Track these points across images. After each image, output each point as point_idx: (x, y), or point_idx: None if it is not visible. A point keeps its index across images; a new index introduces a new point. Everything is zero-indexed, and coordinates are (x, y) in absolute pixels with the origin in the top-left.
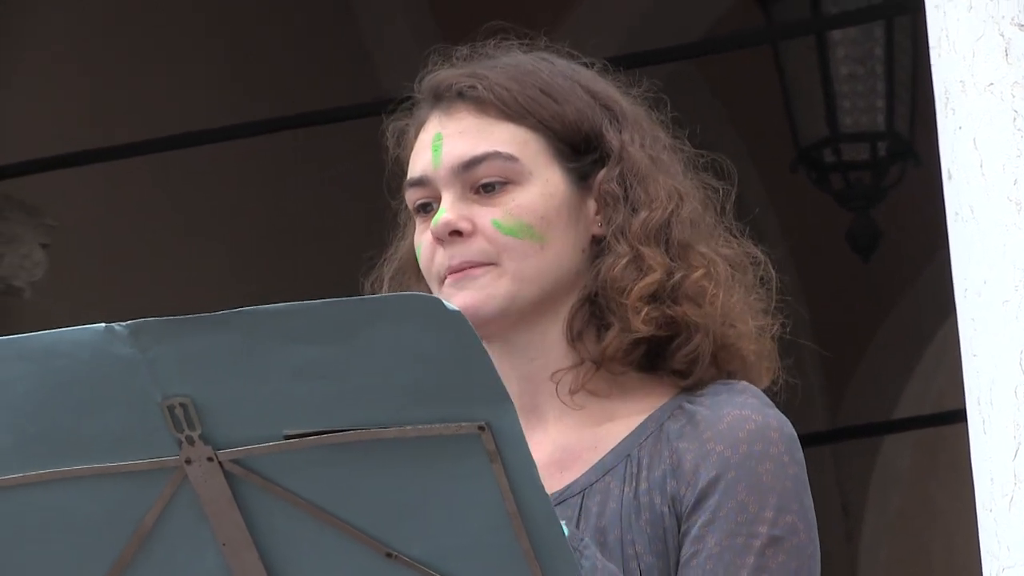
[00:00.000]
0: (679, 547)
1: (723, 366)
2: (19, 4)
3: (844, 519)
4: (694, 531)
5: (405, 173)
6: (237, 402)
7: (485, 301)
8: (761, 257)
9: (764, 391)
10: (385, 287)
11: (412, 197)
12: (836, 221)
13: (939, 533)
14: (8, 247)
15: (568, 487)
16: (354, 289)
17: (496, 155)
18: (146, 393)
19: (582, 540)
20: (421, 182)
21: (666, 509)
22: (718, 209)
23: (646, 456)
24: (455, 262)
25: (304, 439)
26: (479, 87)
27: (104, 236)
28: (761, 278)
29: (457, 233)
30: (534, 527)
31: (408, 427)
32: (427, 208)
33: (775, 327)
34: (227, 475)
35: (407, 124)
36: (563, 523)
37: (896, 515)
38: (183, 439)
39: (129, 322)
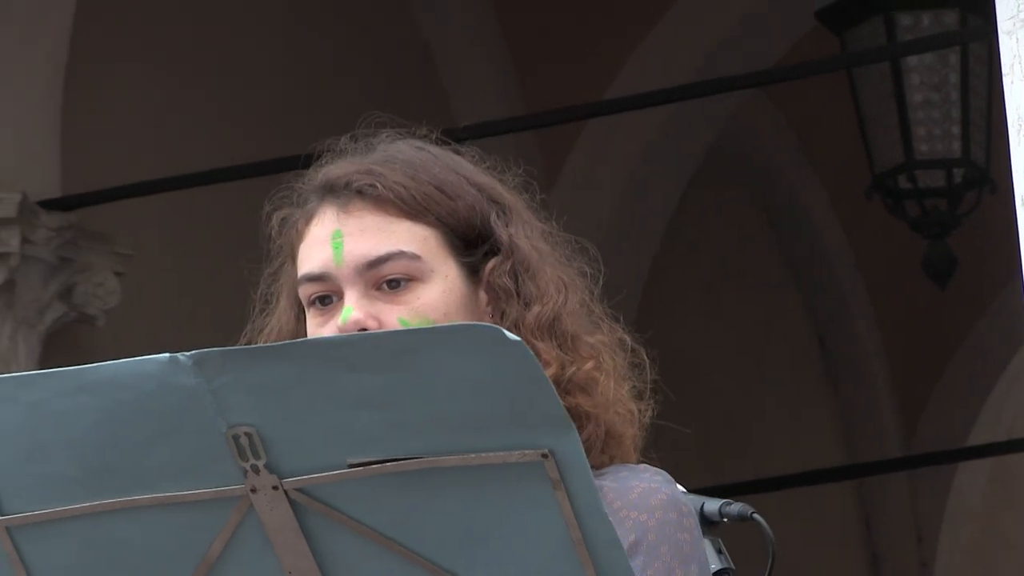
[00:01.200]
0: None
1: (606, 451)
2: (94, 34)
3: (918, 547)
4: None
5: (288, 257)
6: (301, 431)
7: None
8: (629, 341)
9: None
10: None
11: (308, 291)
12: (912, 248)
13: (1014, 562)
14: (82, 276)
15: None
16: None
17: (401, 254)
18: (211, 423)
19: None
20: (321, 278)
21: None
22: (591, 295)
23: None
24: None
25: (368, 467)
26: (378, 185)
27: (178, 264)
28: (635, 364)
29: (364, 330)
30: (598, 554)
31: (471, 455)
32: (324, 300)
33: (648, 411)
34: (292, 504)
35: (291, 213)
36: None
37: (970, 543)
38: (248, 468)
39: (193, 352)
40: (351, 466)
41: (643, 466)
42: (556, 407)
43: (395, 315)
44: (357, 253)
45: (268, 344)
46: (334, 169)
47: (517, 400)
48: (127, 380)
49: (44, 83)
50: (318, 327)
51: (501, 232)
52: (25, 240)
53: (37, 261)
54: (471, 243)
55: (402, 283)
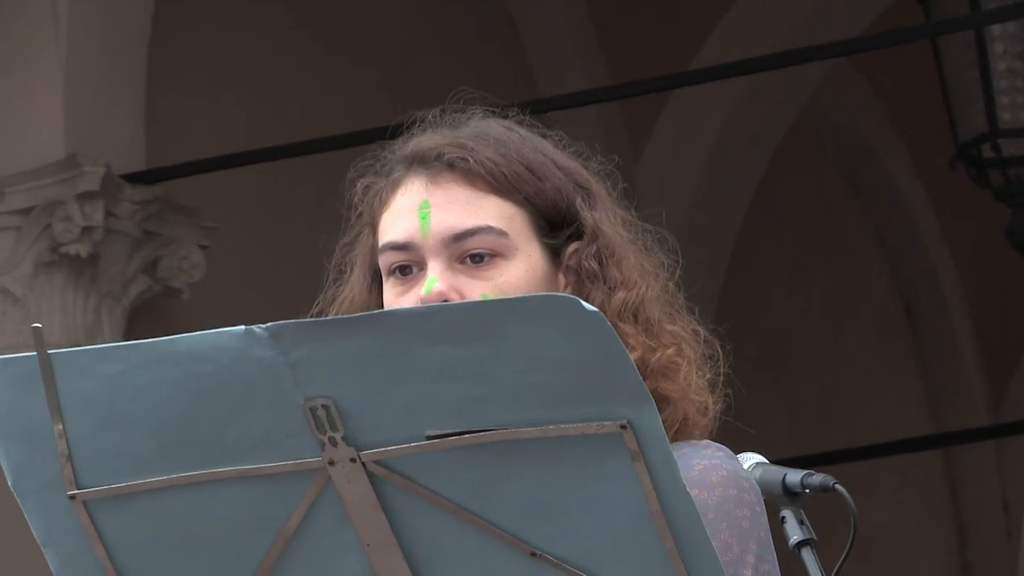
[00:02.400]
0: None
1: (678, 437)
2: (178, 6)
3: (1005, 516)
4: None
5: (368, 226)
6: (379, 403)
7: None
8: (703, 333)
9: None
10: None
11: (389, 260)
12: (996, 217)
13: None
14: (167, 249)
15: None
16: None
17: (488, 229)
18: (288, 395)
19: None
20: (405, 247)
21: None
22: (670, 285)
23: None
24: None
25: (446, 439)
26: (470, 160)
27: (262, 237)
28: (710, 358)
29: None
30: (677, 526)
31: (549, 427)
32: (404, 271)
33: (719, 405)
34: (370, 476)
35: (375, 181)
36: None
37: None
38: (326, 440)
39: (269, 324)
40: (429, 438)
41: (705, 442)
42: (634, 379)
43: (478, 290)
44: (444, 225)
45: (345, 316)
46: (424, 140)
47: (595, 372)
48: (204, 353)
49: (128, 56)
50: (397, 297)
51: (586, 216)
52: (109, 214)
53: (121, 235)
54: (555, 225)
55: (486, 259)
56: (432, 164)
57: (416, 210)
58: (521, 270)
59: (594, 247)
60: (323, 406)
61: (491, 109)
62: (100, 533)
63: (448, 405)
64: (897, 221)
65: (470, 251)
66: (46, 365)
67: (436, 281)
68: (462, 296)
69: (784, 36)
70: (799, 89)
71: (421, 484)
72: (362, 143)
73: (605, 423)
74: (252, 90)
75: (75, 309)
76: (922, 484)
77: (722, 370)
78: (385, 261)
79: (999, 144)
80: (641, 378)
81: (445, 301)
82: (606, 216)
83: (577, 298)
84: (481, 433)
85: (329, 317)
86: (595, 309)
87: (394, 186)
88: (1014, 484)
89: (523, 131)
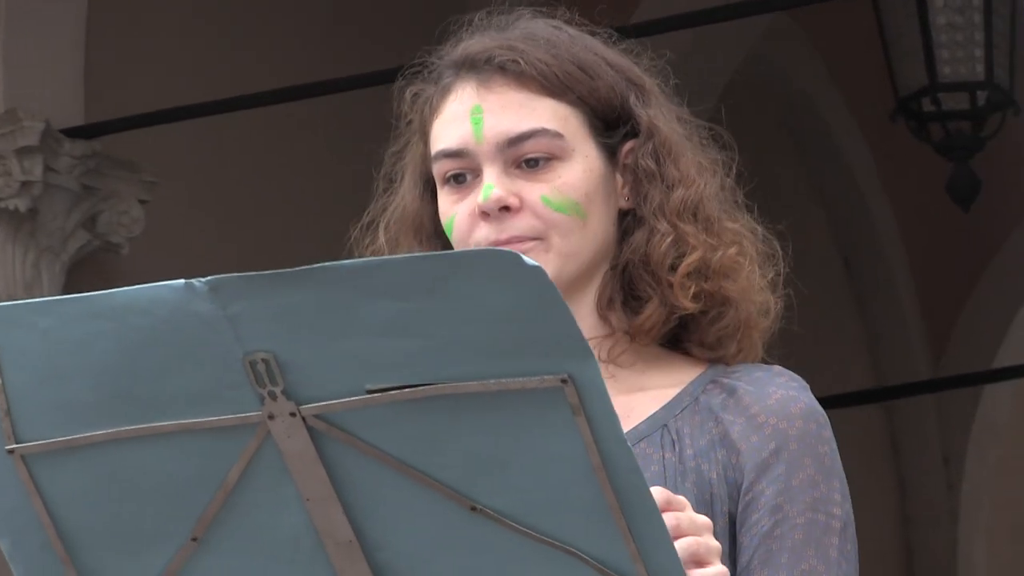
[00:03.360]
0: (729, 513)
1: (739, 342)
2: None
3: (945, 468)
4: (767, 499)
5: (419, 133)
6: (319, 357)
7: None
8: (761, 231)
9: None
10: (382, 245)
11: (443, 168)
12: (936, 171)
13: None
14: (106, 204)
15: None
16: None
17: (543, 132)
18: (228, 349)
19: None
20: (459, 154)
21: (714, 476)
22: (727, 182)
23: (685, 426)
24: (504, 236)
25: (387, 394)
26: (521, 61)
27: (203, 192)
28: (767, 257)
29: (506, 208)
30: (618, 480)
31: (490, 381)
32: (459, 179)
33: (779, 305)
34: (310, 430)
35: (424, 88)
36: None
37: (997, 464)
38: (266, 394)
39: (209, 278)
40: (370, 392)
41: (777, 368)
42: (575, 332)
43: (537, 193)
44: (498, 129)
45: (285, 269)
46: (473, 44)
47: (536, 325)
48: (143, 306)
49: (66, 11)
50: (452, 205)
51: (641, 113)
52: (48, 168)
53: (61, 189)
54: (610, 124)
55: (542, 162)
56: (482, 68)
57: (468, 115)
58: (579, 171)
59: (650, 144)
60: (263, 360)
61: (539, 9)
62: (38, 487)
63: (389, 359)
64: (838, 175)
65: (526, 155)
66: None
67: (493, 187)
68: (521, 200)
69: None
70: (740, 44)
71: (361, 438)
72: (300, 97)
73: (546, 377)
74: (191, 44)
75: (14, 264)
76: (863, 438)
77: (782, 270)
78: (439, 169)
79: (939, 98)
80: (581, 332)
81: (504, 208)
82: (660, 112)
83: (518, 252)
84: (421, 387)
85: (269, 271)
86: (536, 263)
87: (444, 92)
88: (954, 438)
89: (572, 30)
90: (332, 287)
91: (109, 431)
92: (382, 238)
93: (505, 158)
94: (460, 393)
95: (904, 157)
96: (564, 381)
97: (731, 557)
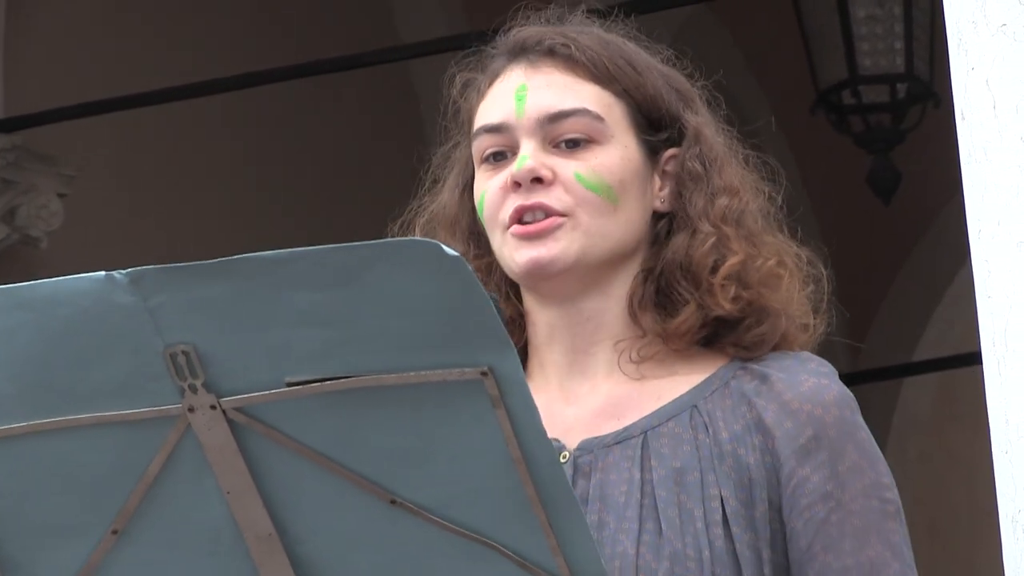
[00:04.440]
0: (769, 500)
1: (777, 350)
2: None
3: None
4: (815, 485)
5: (466, 124)
6: (239, 349)
7: (561, 254)
8: (809, 257)
9: None
10: (417, 235)
11: (484, 144)
12: (856, 164)
13: (960, 476)
14: (25, 197)
15: (626, 428)
16: (376, 234)
17: (584, 112)
18: (148, 341)
19: None
20: (499, 129)
21: (752, 462)
22: (771, 208)
23: (717, 409)
24: (530, 202)
25: (306, 386)
26: (572, 46)
27: (121, 185)
28: (813, 278)
29: (538, 181)
30: (538, 473)
31: (410, 373)
32: (498, 157)
33: (821, 328)
34: (230, 423)
35: (475, 76)
36: None
37: (917, 458)
38: (186, 387)
39: (129, 270)
40: (290, 385)
41: (805, 354)
42: (495, 324)
43: (571, 169)
44: (540, 105)
45: (204, 262)
46: (526, 31)
47: (457, 317)
48: (63, 298)
49: None
50: (487, 180)
51: (689, 118)
52: None
53: None
54: (654, 124)
55: (581, 143)
56: (533, 51)
57: (513, 93)
58: (616, 157)
59: (697, 148)
60: (183, 352)
61: (596, 8)
62: None
63: (309, 350)
64: (757, 169)
65: (565, 134)
66: None
67: (528, 158)
68: (555, 174)
69: None
70: (658, 37)
71: (281, 431)
72: (222, 90)
73: (466, 369)
74: (112, 38)
75: None
76: None
77: (826, 295)
78: (479, 147)
79: (859, 91)
80: (502, 324)
81: (537, 179)
82: (708, 122)
83: (438, 242)
84: (341, 380)
85: (190, 263)
86: (457, 254)
87: (493, 76)
88: (875, 431)
89: (629, 43)
90: (251, 279)
91: (29, 423)
92: (418, 236)
93: (544, 134)
94: (380, 385)
95: (824, 150)
96: (484, 373)
97: (771, 544)
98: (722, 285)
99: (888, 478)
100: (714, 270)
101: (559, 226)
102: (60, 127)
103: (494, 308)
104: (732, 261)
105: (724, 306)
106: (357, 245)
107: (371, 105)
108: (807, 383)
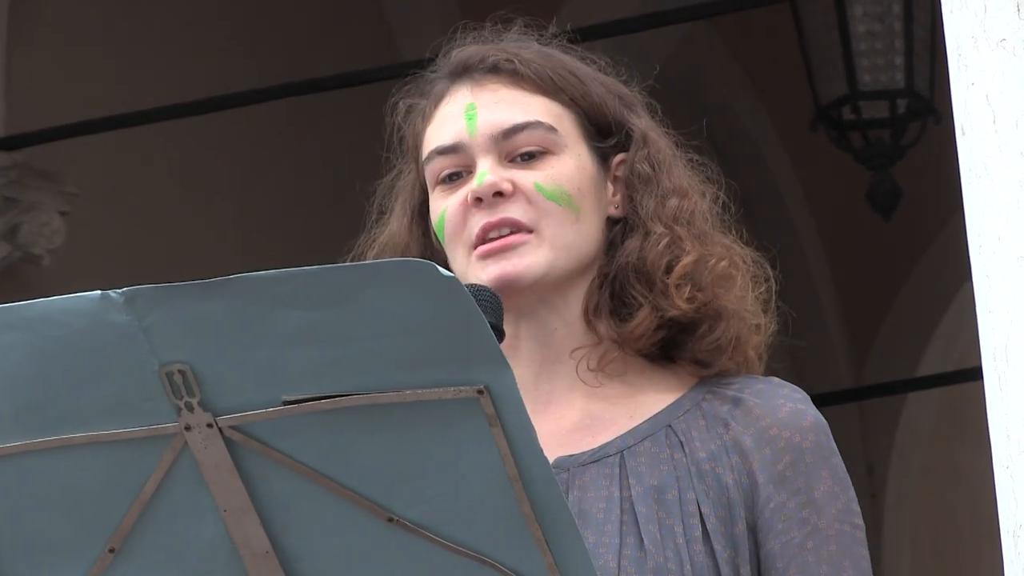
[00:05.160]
0: (746, 519)
1: (732, 356)
2: None
3: (869, 478)
4: (791, 511)
5: (412, 151)
6: (235, 368)
7: (526, 269)
8: (754, 256)
9: None
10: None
11: (438, 167)
12: (856, 180)
13: (964, 491)
14: (27, 215)
15: (602, 447)
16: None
17: (538, 124)
18: (143, 360)
19: None
20: (452, 149)
21: (730, 481)
22: (715, 207)
23: (692, 428)
24: (496, 218)
25: (302, 404)
26: (515, 61)
27: (123, 203)
28: (758, 277)
29: (499, 195)
30: (534, 490)
31: (406, 391)
32: (453, 177)
33: (771, 327)
34: (227, 441)
35: (416, 101)
36: None
37: (920, 473)
38: (182, 406)
39: (124, 289)
40: (286, 403)
41: (776, 380)
42: (491, 343)
43: (531, 180)
44: (492, 121)
45: (200, 281)
46: (467, 50)
47: (452, 336)
48: (58, 317)
49: None
50: (443, 200)
51: (635, 122)
52: None
53: None
54: (603, 131)
55: (536, 155)
56: (476, 69)
57: (463, 113)
58: (573, 165)
59: (645, 151)
60: (179, 371)
61: (532, 27)
62: None
63: (305, 369)
64: (759, 185)
65: (520, 148)
66: None
67: (487, 174)
68: (515, 186)
69: None
70: (658, 53)
71: (278, 449)
72: (223, 108)
73: (462, 388)
74: (113, 55)
75: None
76: None
77: (773, 291)
78: (432, 171)
79: (859, 106)
80: (497, 343)
81: (498, 193)
82: (652, 125)
83: (433, 263)
84: (338, 398)
85: (185, 282)
86: (451, 275)
87: (437, 99)
88: (877, 447)
89: (559, 51)
90: (247, 298)
91: (24, 442)
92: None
93: (499, 150)
94: (376, 404)
95: (825, 166)
96: (480, 392)
97: (749, 561)
98: (677, 285)
99: (856, 504)
100: (668, 271)
101: (525, 242)
102: (62, 145)
103: (489, 327)
104: (686, 261)
105: (680, 306)
106: (352, 265)
107: (372, 122)
108: (784, 408)
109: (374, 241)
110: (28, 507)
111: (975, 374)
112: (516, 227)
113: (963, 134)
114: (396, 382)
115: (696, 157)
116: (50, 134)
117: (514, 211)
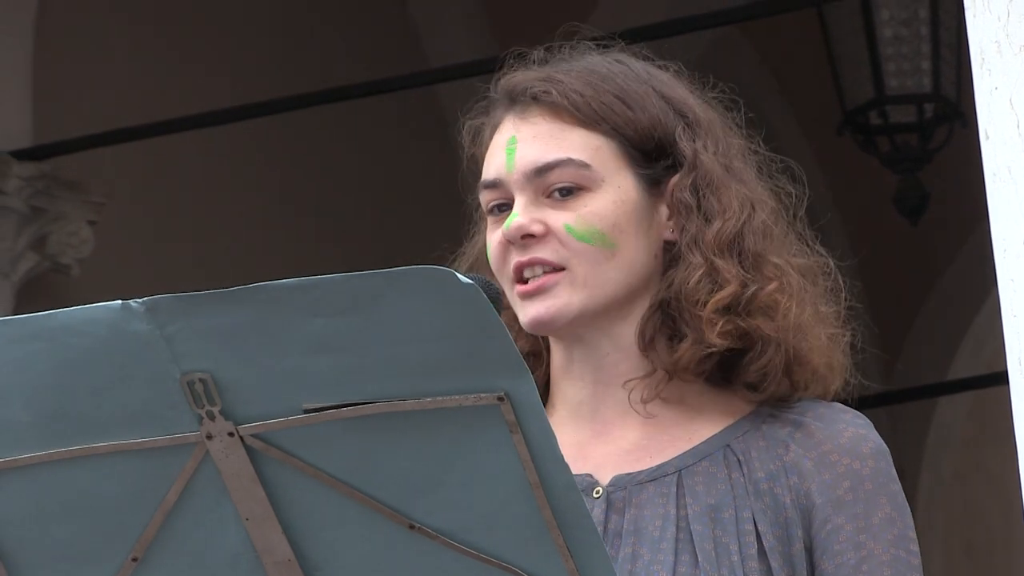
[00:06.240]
0: (802, 539)
1: (794, 378)
2: None
3: (900, 482)
4: (848, 534)
5: (480, 171)
6: (256, 377)
7: (558, 312)
8: (831, 265)
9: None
10: None
11: (486, 199)
12: (884, 184)
13: (995, 494)
14: (55, 225)
15: (660, 467)
16: (407, 256)
17: (569, 162)
18: (165, 369)
19: None
20: (495, 184)
21: (788, 501)
22: (790, 216)
23: (751, 448)
24: (526, 258)
25: (324, 412)
26: (554, 92)
27: (151, 212)
28: (831, 288)
29: (530, 236)
30: (555, 497)
31: (427, 399)
32: (501, 208)
33: (846, 336)
34: (248, 450)
35: (483, 123)
36: None
37: (951, 477)
38: (204, 414)
39: (145, 299)
40: (307, 411)
41: (838, 405)
42: (511, 350)
43: (561, 220)
44: (527, 159)
45: (222, 289)
46: (516, 76)
47: (472, 343)
48: (79, 327)
49: (14, 31)
50: (491, 232)
51: (685, 146)
52: None
53: (9, 211)
54: (649, 155)
55: (573, 191)
56: (520, 99)
57: (505, 146)
58: (608, 201)
59: (691, 178)
60: (200, 380)
61: (601, 43)
62: None
63: (326, 377)
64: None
65: (555, 184)
66: None
67: (517, 215)
68: (546, 227)
69: (671, 3)
70: (686, 57)
71: (299, 457)
72: (249, 117)
73: (482, 395)
74: (139, 65)
75: None
76: None
77: (844, 302)
78: (483, 200)
79: (886, 111)
80: (517, 350)
81: (527, 235)
82: (710, 145)
83: (452, 271)
84: (358, 406)
85: (205, 291)
86: (470, 282)
87: (494, 126)
88: (907, 451)
89: (635, 64)
90: (267, 306)
91: (47, 452)
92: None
93: (535, 187)
94: (396, 411)
95: (852, 170)
96: (500, 399)
97: None
98: (710, 319)
99: (913, 531)
100: (704, 304)
101: (557, 283)
102: (89, 154)
103: (508, 334)
104: (722, 294)
105: (714, 341)
106: (372, 273)
107: (399, 129)
108: (846, 433)
109: (464, 255)
110: (51, 516)
111: (1006, 378)
112: (547, 266)
113: (987, 138)
114: (416, 390)
115: (778, 158)
116: (77, 144)
117: (544, 252)
